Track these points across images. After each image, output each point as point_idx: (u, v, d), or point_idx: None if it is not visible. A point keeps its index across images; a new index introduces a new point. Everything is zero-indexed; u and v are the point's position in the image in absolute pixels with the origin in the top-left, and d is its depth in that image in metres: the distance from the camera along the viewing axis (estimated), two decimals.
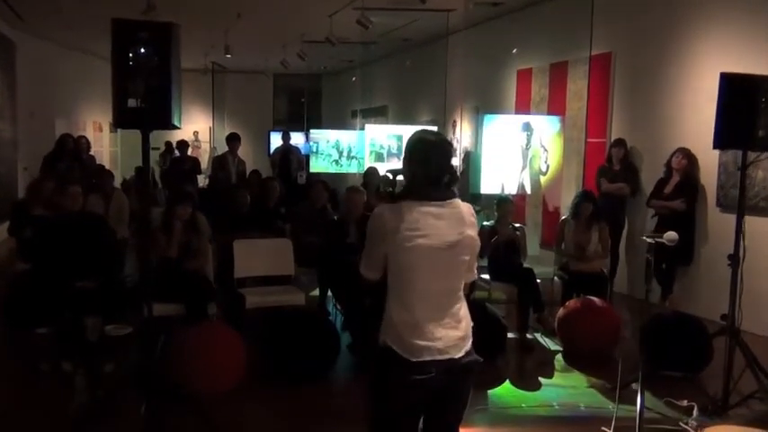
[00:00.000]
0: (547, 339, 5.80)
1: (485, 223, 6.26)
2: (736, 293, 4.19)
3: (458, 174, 2.55)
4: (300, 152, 13.20)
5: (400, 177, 2.96)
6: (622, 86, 7.85)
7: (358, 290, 5.52)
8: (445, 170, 2.44)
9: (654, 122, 7.35)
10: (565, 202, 8.28)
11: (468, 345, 2.46)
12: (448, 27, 10.25)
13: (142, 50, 2.99)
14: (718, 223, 6.58)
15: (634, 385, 4.60)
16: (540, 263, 6.65)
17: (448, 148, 2.50)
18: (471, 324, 2.51)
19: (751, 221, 6.25)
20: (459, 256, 2.43)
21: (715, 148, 4.34)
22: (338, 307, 5.98)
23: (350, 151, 12.55)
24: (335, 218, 6.31)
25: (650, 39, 7.41)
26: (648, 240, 3.72)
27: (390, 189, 3.05)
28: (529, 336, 5.84)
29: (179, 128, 3.27)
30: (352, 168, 12.50)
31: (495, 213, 6.32)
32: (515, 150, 7.17)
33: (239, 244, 5.74)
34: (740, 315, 4.25)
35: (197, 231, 5.49)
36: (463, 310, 2.49)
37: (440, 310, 2.42)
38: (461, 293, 2.52)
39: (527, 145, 7.18)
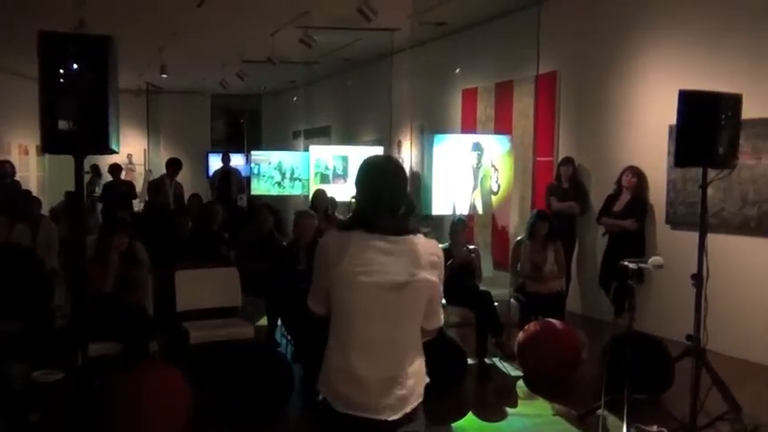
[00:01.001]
0: (506, 364, 5.64)
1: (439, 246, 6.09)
2: (701, 313, 4.11)
3: (413, 203, 2.31)
4: (240, 174, 12.89)
5: None
6: (568, 105, 7.87)
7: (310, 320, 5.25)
8: (398, 199, 2.18)
9: (601, 141, 7.38)
10: (514, 222, 8.24)
11: (411, 407, 2.14)
12: (393, 46, 10.15)
13: (74, 66, 2.67)
14: (669, 240, 6.61)
15: (599, 411, 4.48)
16: (494, 284, 6.53)
17: (401, 175, 2.24)
18: (424, 382, 2.21)
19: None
20: (411, 300, 2.15)
21: (676, 165, 4.30)
22: (288, 338, 5.68)
23: (293, 173, 12.29)
24: (285, 243, 6.01)
25: (596, 57, 7.46)
26: (631, 266, 3.55)
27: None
28: (487, 361, 5.67)
29: (117, 152, 2.95)
30: (295, 190, 12.22)
31: (449, 235, 6.16)
32: (466, 170, 7.05)
33: (181, 275, 5.38)
34: (705, 335, 4.16)
35: (135, 262, 5.10)
36: (415, 365, 2.18)
37: (382, 361, 2.12)
38: (417, 344, 2.21)
39: (478, 164, 7.07)
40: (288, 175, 12.27)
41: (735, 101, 4.04)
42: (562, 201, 7.25)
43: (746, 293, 5.81)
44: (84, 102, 2.70)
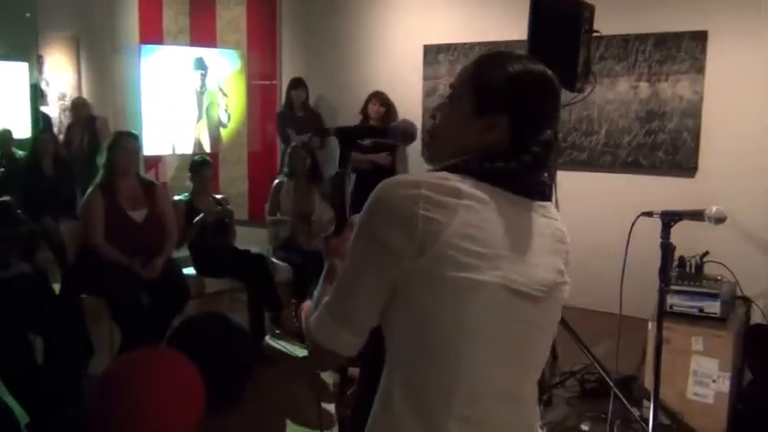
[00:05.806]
0: (287, 345, 4.50)
1: (176, 198, 4.55)
2: None
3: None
4: None
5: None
6: (294, 17, 6.68)
7: (21, 334, 3.34)
8: (552, 134, 1.21)
9: (339, 62, 6.43)
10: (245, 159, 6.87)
11: None
12: None
13: None
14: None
15: None
16: (246, 240, 5.20)
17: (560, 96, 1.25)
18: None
19: None
20: (551, 318, 1.25)
21: None
22: None
23: None
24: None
25: None
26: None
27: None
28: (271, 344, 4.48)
29: None
30: None
31: (190, 183, 4.66)
32: (187, 96, 5.44)
33: None
34: None
35: None
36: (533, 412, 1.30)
37: (500, 424, 1.19)
38: (536, 391, 1.28)
39: (202, 88, 5.51)
40: None
41: (590, 12, 3.46)
42: (301, 133, 6.17)
43: None
44: None
